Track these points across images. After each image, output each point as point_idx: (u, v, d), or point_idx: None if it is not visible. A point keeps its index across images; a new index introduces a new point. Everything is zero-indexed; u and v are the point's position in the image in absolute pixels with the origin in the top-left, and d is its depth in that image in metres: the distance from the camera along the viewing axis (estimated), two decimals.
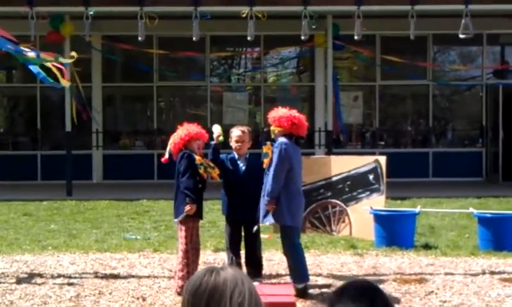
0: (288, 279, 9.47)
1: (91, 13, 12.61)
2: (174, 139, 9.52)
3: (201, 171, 9.37)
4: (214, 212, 16.07)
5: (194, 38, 10.60)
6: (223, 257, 10.74)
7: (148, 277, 9.84)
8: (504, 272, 9.95)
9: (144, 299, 8.77)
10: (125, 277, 9.78)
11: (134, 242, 12.52)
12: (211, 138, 9.78)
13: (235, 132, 9.78)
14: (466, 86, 24.39)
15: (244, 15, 10.96)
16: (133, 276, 9.87)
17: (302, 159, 9.52)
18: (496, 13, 18.60)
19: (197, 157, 9.32)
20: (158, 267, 10.43)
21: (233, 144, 9.77)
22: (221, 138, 9.71)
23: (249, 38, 10.61)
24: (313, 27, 15.34)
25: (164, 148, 23.41)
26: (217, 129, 9.80)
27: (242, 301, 2.42)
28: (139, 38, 11.34)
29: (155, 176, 22.54)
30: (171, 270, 10.14)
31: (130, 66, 22.39)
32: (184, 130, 9.49)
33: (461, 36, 10.71)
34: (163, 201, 17.49)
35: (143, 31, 10.94)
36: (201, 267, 9.89)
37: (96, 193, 18.98)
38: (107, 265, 10.53)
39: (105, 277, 9.82)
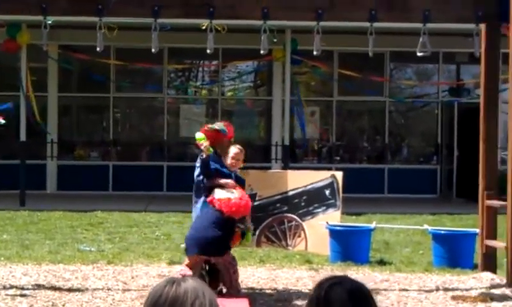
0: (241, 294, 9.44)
1: (50, 22, 12.48)
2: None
3: None
4: (169, 225, 16.01)
5: (153, 50, 10.51)
6: (178, 270, 10.66)
7: (102, 289, 9.73)
8: (457, 289, 10.01)
9: None
10: (78, 289, 9.66)
11: (88, 253, 12.39)
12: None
13: (233, 149, 9.79)
14: (422, 103, 24.60)
15: (203, 28, 10.92)
16: (87, 288, 9.75)
17: (259, 173, 9.75)
18: (453, 32, 18.79)
19: None
20: (112, 279, 10.32)
21: (229, 159, 9.68)
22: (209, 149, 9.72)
23: (208, 51, 10.55)
24: (275, 40, 15.35)
25: (119, 158, 23.20)
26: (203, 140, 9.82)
27: None
28: (97, 49, 11.21)
29: (110, 187, 22.38)
30: (125, 283, 10.05)
31: (86, 76, 22.23)
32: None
33: (419, 53, 10.77)
34: (117, 213, 17.36)
35: (101, 41, 10.82)
36: (156, 280, 9.82)
37: (50, 204, 18.77)
38: (60, 277, 10.40)
39: (59, 289, 9.69)
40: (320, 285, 2.64)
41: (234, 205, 9.35)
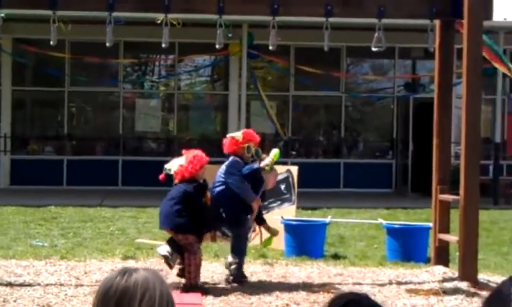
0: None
1: (2, 15, 12.33)
2: (184, 166, 9.60)
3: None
4: (124, 220, 15.92)
5: (107, 44, 10.42)
6: (132, 265, 10.59)
7: (55, 284, 9.63)
8: (410, 283, 10.08)
9: None
10: (30, 285, 9.56)
11: (41, 249, 12.27)
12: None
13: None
14: (377, 98, 24.73)
15: (159, 22, 10.86)
16: (39, 284, 9.65)
17: (215, 168, 9.77)
18: (408, 27, 18.90)
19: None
20: (65, 275, 10.22)
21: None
22: (268, 168, 10.10)
23: (164, 45, 10.49)
24: (230, 35, 15.30)
25: (74, 153, 23.03)
26: (273, 155, 10.26)
27: (151, 306, 2.37)
28: (51, 42, 11.10)
29: (64, 182, 22.18)
30: (78, 278, 9.97)
31: (41, 70, 21.99)
32: (195, 161, 9.69)
33: (374, 49, 10.82)
34: (72, 208, 17.21)
35: (55, 34, 10.70)
36: None
37: (2, 199, 18.54)
38: (12, 272, 10.27)
39: (10, 284, 9.58)
40: (334, 300, 2.42)
41: (183, 167, 9.59)
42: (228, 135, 10.58)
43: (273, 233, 10.79)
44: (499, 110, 21.25)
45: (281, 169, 13.01)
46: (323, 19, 10.68)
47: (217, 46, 10.65)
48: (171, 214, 9.42)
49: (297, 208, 13.23)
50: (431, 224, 11.30)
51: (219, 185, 10.03)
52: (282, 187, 12.65)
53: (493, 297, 2.18)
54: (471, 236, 10.00)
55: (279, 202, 12.61)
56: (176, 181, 9.79)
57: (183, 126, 23.91)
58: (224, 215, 9.91)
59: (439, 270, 10.50)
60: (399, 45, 22.56)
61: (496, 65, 12.43)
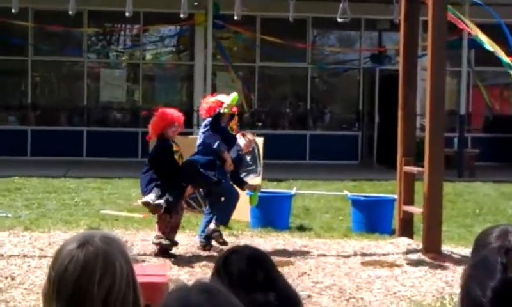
0: (160, 260, 9.43)
1: None
2: (152, 123, 10.01)
3: (176, 157, 9.97)
4: (88, 191, 15.82)
5: (70, 12, 10.31)
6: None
7: (18, 256, 9.55)
8: (374, 254, 10.13)
9: (13, 278, 8.53)
10: None
11: (4, 219, 12.16)
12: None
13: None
14: (343, 70, 24.74)
15: None
16: (2, 255, 9.56)
17: (181, 139, 9.83)
18: None
19: (174, 146, 9.97)
20: (28, 246, 10.12)
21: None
22: (226, 110, 10.12)
23: (127, 14, 10.41)
24: (196, 4, 15.20)
25: (38, 123, 22.84)
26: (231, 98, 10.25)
27: (112, 280, 2.32)
28: (13, 10, 10.98)
29: (28, 152, 21.98)
30: (41, 249, 9.88)
31: (3, 38, 21.67)
32: (160, 117, 10.05)
33: (339, 19, 10.81)
34: (36, 179, 17.05)
35: (16, 3, 10.57)
36: None
37: None
38: None
39: None
40: (220, 255, 2.70)
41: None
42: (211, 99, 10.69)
43: (257, 188, 11.01)
44: (464, 83, 21.34)
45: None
46: None
47: (181, 15, 10.57)
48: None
49: (263, 179, 13.21)
50: (395, 196, 11.34)
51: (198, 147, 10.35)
52: (248, 158, 12.61)
53: (480, 264, 2.18)
54: (435, 208, 10.05)
55: (245, 173, 12.56)
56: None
57: (148, 97, 23.77)
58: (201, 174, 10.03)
59: (403, 242, 10.55)
60: (365, 17, 22.55)
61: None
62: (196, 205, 12.59)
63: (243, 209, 11.99)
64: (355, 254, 10.13)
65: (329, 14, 16.37)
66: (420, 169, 10.50)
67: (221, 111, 10.04)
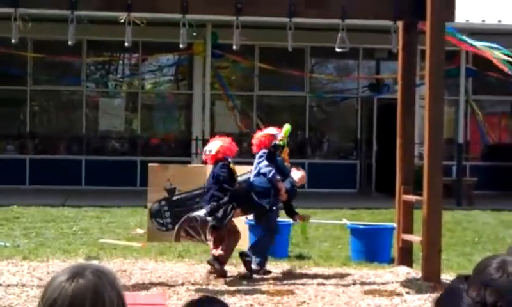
0: (159, 289, 9.39)
1: None
2: (222, 149, 10.56)
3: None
4: (87, 219, 15.81)
5: (70, 42, 10.34)
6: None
7: (16, 285, 9.53)
8: (374, 283, 10.11)
9: None
10: None
11: (3, 249, 12.14)
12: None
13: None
14: (342, 98, 24.80)
15: (122, 21, 10.78)
16: (0, 284, 9.54)
17: (178, 167, 9.93)
18: (372, 28, 18.97)
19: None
20: (27, 275, 10.11)
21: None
22: (283, 142, 10.80)
23: (126, 44, 10.41)
24: (194, 34, 15.20)
25: (36, 152, 22.76)
26: (285, 130, 10.87)
27: None
28: (13, 41, 10.99)
29: (27, 181, 21.97)
30: (40, 279, 9.86)
31: (3, 68, 21.72)
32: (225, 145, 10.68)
33: (338, 49, 10.83)
34: (34, 207, 17.04)
35: (16, 33, 10.59)
36: None
37: None
38: None
39: None
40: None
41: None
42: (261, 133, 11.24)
43: (307, 218, 11.42)
44: (462, 111, 21.39)
45: (246, 168, 12.99)
46: (287, 19, 10.68)
47: (181, 46, 10.60)
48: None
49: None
50: (394, 225, 11.34)
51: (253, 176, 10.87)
52: None
53: (446, 296, 2.18)
54: (434, 236, 10.05)
55: None
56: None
57: (147, 126, 23.81)
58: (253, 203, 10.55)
59: (402, 271, 10.53)
60: (363, 46, 22.66)
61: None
62: (194, 234, 12.56)
63: (242, 238, 11.98)
64: (354, 283, 10.11)
65: (327, 43, 16.43)
66: (418, 197, 10.50)
67: (277, 143, 10.67)
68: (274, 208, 10.66)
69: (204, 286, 9.81)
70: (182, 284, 9.92)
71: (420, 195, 10.31)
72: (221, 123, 23.06)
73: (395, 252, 11.29)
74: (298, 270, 10.90)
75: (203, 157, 11.00)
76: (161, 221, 12.01)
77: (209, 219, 10.29)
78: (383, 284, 10.04)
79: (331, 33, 12.16)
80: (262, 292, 9.40)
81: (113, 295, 2.35)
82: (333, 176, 22.84)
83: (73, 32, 10.37)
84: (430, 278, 9.88)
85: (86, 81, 23.08)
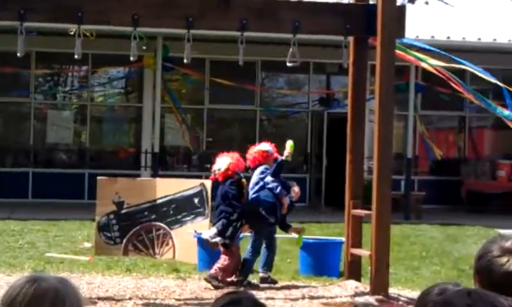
0: (106, 303, 9.30)
1: None
2: (231, 165, 10.93)
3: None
4: (33, 233, 15.59)
5: (18, 54, 10.21)
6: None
7: None
8: (323, 297, 10.12)
9: None
10: None
11: None
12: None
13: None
14: (292, 113, 24.87)
15: (72, 33, 10.68)
16: None
17: (127, 180, 9.81)
18: (323, 43, 19.07)
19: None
20: None
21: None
22: (289, 158, 11.08)
23: (76, 57, 10.31)
24: (144, 48, 15.18)
25: None
26: (289, 146, 11.10)
27: None
28: None
29: None
30: None
31: None
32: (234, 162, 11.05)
33: (289, 64, 10.86)
34: None
35: None
36: None
37: None
38: None
39: None
40: (216, 303, 2.46)
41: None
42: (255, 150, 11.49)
43: (301, 230, 11.92)
44: (411, 126, 21.58)
45: (194, 182, 12.96)
46: (237, 33, 10.68)
47: (131, 58, 10.53)
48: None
49: (211, 222, 13.15)
50: (343, 239, 11.37)
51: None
52: (196, 200, 12.57)
53: None
54: (382, 250, 10.10)
55: (192, 216, 12.53)
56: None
57: (96, 138, 23.62)
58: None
59: (351, 285, 10.56)
60: (314, 60, 22.75)
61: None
62: (142, 247, 12.48)
63: (191, 251, 11.94)
64: (303, 297, 10.11)
65: (278, 57, 16.48)
66: (367, 211, 10.55)
67: (284, 159, 11.04)
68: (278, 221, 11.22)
69: (152, 301, 9.72)
70: (130, 298, 9.82)
71: (369, 209, 10.36)
72: (171, 137, 23.00)
73: (344, 266, 11.32)
74: (247, 284, 10.86)
75: (211, 176, 11.37)
76: (109, 235, 11.95)
77: (219, 239, 10.51)
78: (331, 298, 10.06)
79: (283, 47, 12.21)
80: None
81: (73, 302, 2.31)
82: None
83: (22, 44, 10.24)
84: (378, 292, 9.93)
85: (35, 93, 22.82)
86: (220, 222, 10.60)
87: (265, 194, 10.95)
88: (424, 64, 12.53)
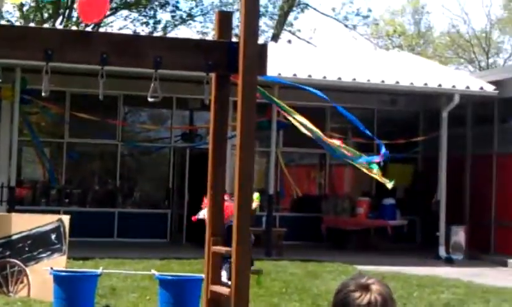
0: None
1: None
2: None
3: None
4: None
5: None
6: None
7: None
8: None
9: None
10: None
11: None
12: None
13: None
14: (155, 148, 24.74)
15: None
16: None
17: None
18: (186, 78, 19.06)
19: None
20: None
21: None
22: (257, 209, 11.56)
23: None
24: (0, 80, 14.78)
25: None
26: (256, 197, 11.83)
27: None
28: None
29: None
30: None
31: None
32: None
33: (150, 99, 10.72)
34: None
35: None
36: None
37: None
38: None
39: None
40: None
41: None
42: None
43: (258, 272, 12.62)
44: (273, 163, 21.79)
45: (52, 218, 12.65)
46: (98, 67, 10.51)
47: None
48: None
49: (68, 258, 12.85)
50: (203, 276, 11.28)
51: None
52: (53, 236, 12.27)
53: None
54: (242, 287, 10.05)
55: (49, 252, 12.23)
56: None
57: None
58: None
59: None
60: (177, 96, 22.72)
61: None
62: (4, 284, 12.06)
63: (46, 289, 11.61)
64: None
65: (141, 92, 16.35)
66: (228, 248, 10.50)
67: (253, 208, 11.18)
68: None
69: None
70: None
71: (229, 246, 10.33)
72: (29, 170, 22.45)
73: (203, 303, 11.22)
74: None
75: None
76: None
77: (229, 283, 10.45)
78: None
79: (145, 82, 12.09)
80: None
81: None
82: (144, 225, 22.64)
83: None
84: None
85: None
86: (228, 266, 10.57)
87: None
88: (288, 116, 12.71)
